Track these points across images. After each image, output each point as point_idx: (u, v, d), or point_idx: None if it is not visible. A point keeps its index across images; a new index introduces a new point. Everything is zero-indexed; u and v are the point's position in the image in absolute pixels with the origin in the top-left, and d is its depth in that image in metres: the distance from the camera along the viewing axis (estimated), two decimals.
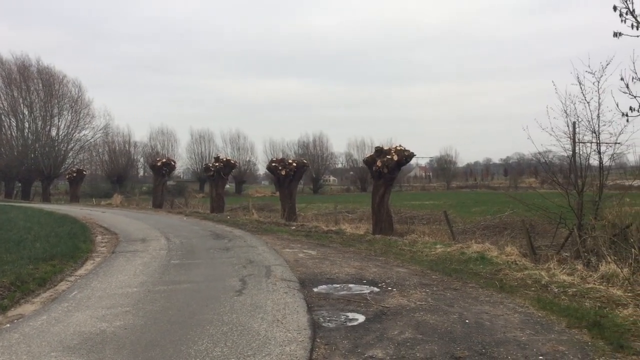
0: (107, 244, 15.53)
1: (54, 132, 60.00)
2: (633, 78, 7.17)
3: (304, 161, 27.85)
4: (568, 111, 11.97)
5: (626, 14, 6.96)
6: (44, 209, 30.88)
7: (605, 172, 11.83)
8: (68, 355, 5.60)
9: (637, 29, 6.96)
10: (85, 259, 12.38)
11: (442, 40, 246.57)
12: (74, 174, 49.36)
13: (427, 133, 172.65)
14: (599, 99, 11.26)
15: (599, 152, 11.81)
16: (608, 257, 9.45)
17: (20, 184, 59.55)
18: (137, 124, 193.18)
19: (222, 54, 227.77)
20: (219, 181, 31.58)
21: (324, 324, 6.75)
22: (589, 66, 11.10)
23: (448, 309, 7.46)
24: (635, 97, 7.23)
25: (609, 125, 11.37)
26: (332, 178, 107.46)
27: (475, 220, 21.46)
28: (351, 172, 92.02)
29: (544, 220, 15.26)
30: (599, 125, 11.57)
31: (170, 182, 55.28)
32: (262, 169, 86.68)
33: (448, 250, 13.06)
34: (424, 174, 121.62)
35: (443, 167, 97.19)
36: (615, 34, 7.05)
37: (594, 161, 12.12)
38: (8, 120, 58.36)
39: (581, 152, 12.33)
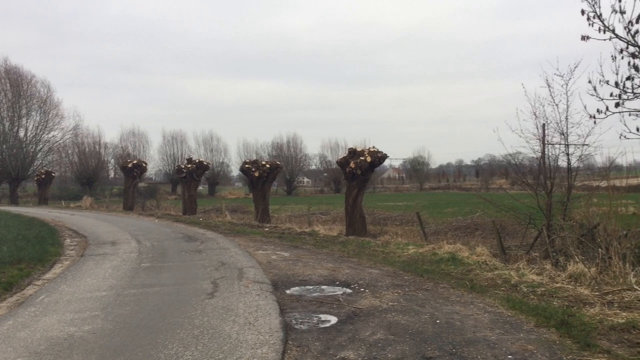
0: (76, 247, 15.27)
1: (22, 133, 59.04)
2: (600, 81, 7.30)
3: (278, 163, 27.80)
4: (537, 113, 12.14)
5: (593, 17, 7.12)
6: (11, 211, 30.26)
7: (573, 173, 12.00)
8: None
9: (604, 33, 7.12)
10: (53, 263, 12.16)
11: (414, 42, 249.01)
12: (43, 176, 48.62)
13: (400, 135, 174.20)
14: (568, 101, 11.48)
15: (567, 154, 12.01)
16: (576, 257, 9.62)
17: None
18: (108, 125, 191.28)
19: (195, 55, 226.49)
20: (191, 183, 31.37)
21: (296, 326, 6.73)
22: (558, 69, 11.32)
23: (419, 309, 7.51)
24: (602, 99, 7.38)
25: (577, 127, 11.60)
26: (306, 179, 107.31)
27: (447, 221, 21.64)
28: (325, 174, 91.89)
29: (514, 221, 15.44)
30: (567, 127, 11.79)
31: (141, 184, 54.71)
32: (235, 171, 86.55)
33: (420, 251, 13.16)
34: (397, 175, 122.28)
35: (416, 169, 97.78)
36: (583, 37, 7.20)
37: (562, 162, 12.31)
38: None
39: (550, 154, 12.51)
